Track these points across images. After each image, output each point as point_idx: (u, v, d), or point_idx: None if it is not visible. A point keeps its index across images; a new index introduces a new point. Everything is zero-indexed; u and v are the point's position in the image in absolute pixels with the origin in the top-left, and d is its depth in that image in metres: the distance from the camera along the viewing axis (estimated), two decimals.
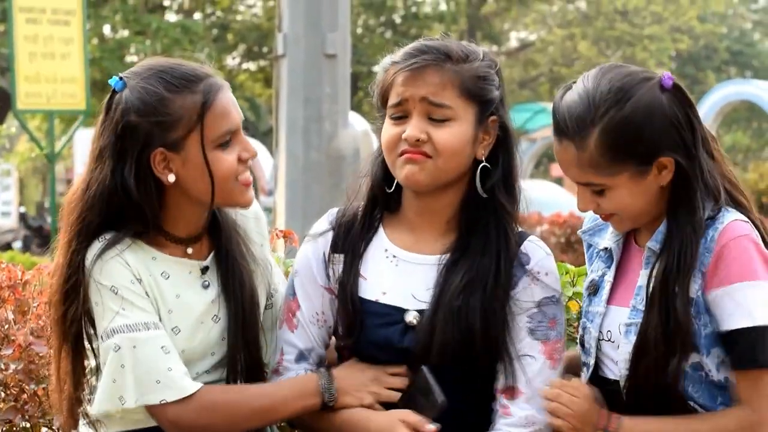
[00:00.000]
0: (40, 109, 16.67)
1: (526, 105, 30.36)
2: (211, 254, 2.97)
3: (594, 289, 2.91)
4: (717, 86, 26.16)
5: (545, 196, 17.36)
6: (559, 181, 25.38)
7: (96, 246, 2.83)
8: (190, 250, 2.93)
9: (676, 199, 2.75)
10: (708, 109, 23.40)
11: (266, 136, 28.67)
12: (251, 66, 36.08)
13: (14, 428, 3.33)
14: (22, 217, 28.03)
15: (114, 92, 2.85)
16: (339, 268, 2.95)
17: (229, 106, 2.87)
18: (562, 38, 36.60)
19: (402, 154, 2.84)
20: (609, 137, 2.69)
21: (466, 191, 2.89)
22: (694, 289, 2.71)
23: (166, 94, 2.80)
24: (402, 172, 2.85)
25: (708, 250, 2.70)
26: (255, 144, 25.15)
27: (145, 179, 2.82)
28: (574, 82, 2.80)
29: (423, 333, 2.82)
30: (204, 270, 2.95)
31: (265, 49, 33.61)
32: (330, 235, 2.99)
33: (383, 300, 2.88)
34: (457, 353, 2.79)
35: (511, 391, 2.86)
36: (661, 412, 2.76)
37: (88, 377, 2.92)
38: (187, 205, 2.89)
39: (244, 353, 2.95)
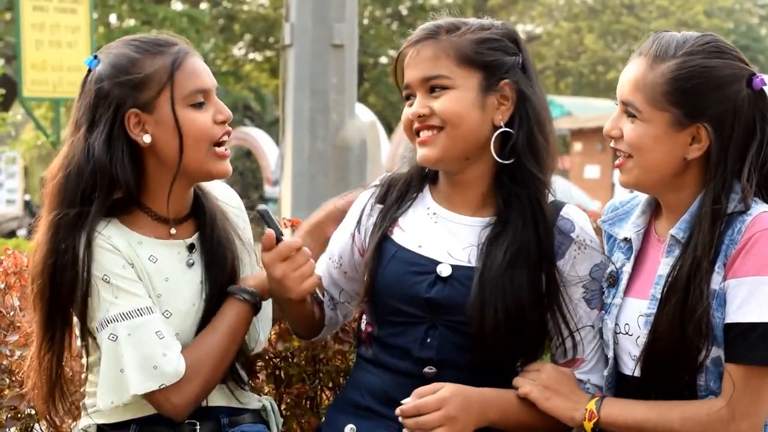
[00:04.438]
0: (46, 97, 16.64)
1: None
2: (196, 234, 2.99)
3: (613, 280, 2.88)
4: None
5: (556, 192, 17.33)
6: (565, 173, 25.38)
7: (83, 236, 2.83)
8: (173, 230, 2.95)
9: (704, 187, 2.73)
10: None
11: (272, 127, 28.65)
12: (257, 56, 36.08)
13: (19, 415, 3.33)
14: (27, 205, 28.03)
15: (89, 72, 2.90)
16: (375, 217, 3.00)
17: (200, 67, 2.91)
18: (568, 31, 36.59)
19: (417, 133, 2.89)
20: (680, 73, 2.70)
21: (494, 162, 2.88)
22: (717, 281, 2.67)
23: (136, 55, 2.86)
24: (418, 153, 2.90)
25: (734, 242, 2.65)
26: (261, 135, 25.22)
27: (117, 143, 2.83)
28: None
29: (455, 291, 2.83)
30: (190, 248, 2.97)
31: (271, 40, 33.61)
32: (376, 189, 3.06)
33: (418, 251, 2.90)
34: (509, 330, 2.78)
35: (572, 363, 2.90)
36: None
37: (84, 370, 2.95)
38: (168, 178, 2.89)
39: None
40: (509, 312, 2.77)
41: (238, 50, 35.73)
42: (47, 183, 2.88)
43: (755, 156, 2.72)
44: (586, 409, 2.77)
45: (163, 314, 2.88)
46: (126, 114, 2.83)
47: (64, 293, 2.83)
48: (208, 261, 2.97)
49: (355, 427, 2.87)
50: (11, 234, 22.94)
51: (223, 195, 3.09)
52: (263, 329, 3.12)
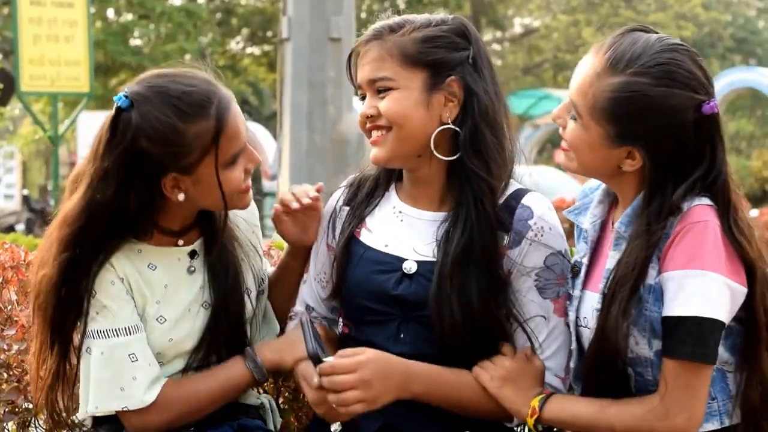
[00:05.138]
0: (43, 92, 16.66)
1: (529, 91, 30.33)
2: (200, 240, 2.98)
3: (576, 271, 2.86)
4: (721, 74, 26.12)
5: (548, 182, 17.34)
6: (561, 167, 25.33)
7: (95, 267, 2.83)
8: (181, 242, 2.95)
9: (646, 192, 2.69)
10: None
11: (270, 121, 28.64)
12: (255, 50, 36.07)
13: (16, 409, 3.33)
14: (25, 200, 28.02)
15: (120, 110, 2.77)
16: (343, 220, 3.03)
17: (239, 124, 2.84)
18: (566, 24, 36.55)
19: (370, 133, 2.92)
20: (620, 95, 2.62)
21: (447, 160, 2.89)
22: (653, 275, 2.64)
23: (180, 125, 2.74)
24: (370, 153, 2.94)
25: (667, 236, 2.62)
26: (259, 128, 25.22)
27: (151, 197, 2.81)
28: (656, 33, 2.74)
29: (421, 287, 2.84)
30: (192, 254, 2.96)
31: (269, 34, 33.60)
32: (344, 192, 3.08)
33: (385, 250, 2.93)
34: (466, 330, 2.79)
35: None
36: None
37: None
38: (189, 210, 2.90)
39: (224, 338, 2.96)
40: (463, 307, 2.78)
41: (235, 44, 35.72)
42: (65, 224, 2.81)
43: (701, 179, 2.65)
44: (530, 406, 2.77)
45: (157, 319, 2.89)
46: (165, 179, 2.79)
47: (67, 315, 2.84)
48: (210, 267, 2.96)
49: (339, 424, 2.87)
50: (9, 229, 22.91)
51: None
52: (269, 336, 3.14)
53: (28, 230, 24.07)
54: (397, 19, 2.92)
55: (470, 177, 2.84)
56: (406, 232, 2.93)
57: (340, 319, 3.03)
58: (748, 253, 2.63)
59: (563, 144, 2.81)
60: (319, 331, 2.93)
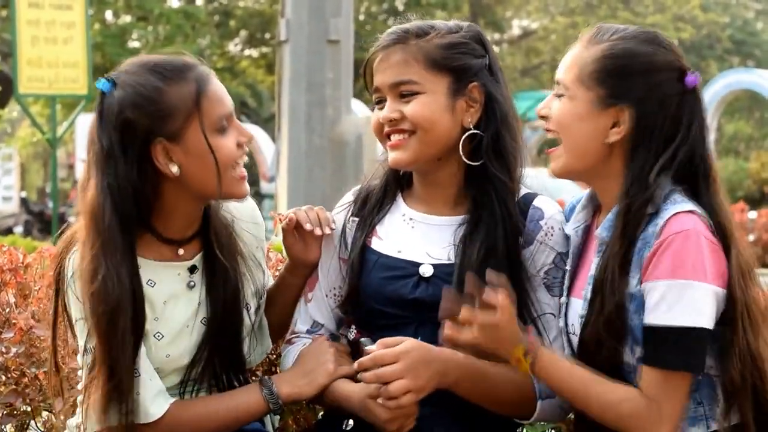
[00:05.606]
0: (42, 94, 16.63)
1: (528, 93, 30.33)
2: (200, 254, 2.95)
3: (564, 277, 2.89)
4: (719, 75, 26.15)
5: (547, 184, 17.32)
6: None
7: (76, 256, 2.78)
8: (181, 251, 2.91)
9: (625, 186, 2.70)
10: (710, 99, 23.38)
11: (268, 123, 28.64)
12: (253, 52, 36.08)
13: (15, 411, 3.33)
14: (24, 202, 28.06)
15: (103, 95, 2.78)
16: (354, 231, 3.04)
17: (222, 91, 2.85)
18: (564, 26, 36.56)
19: (388, 137, 2.92)
20: (608, 52, 2.71)
21: (465, 163, 2.92)
22: (633, 284, 2.64)
23: (160, 84, 2.75)
24: (389, 157, 2.94)
25: (648, 245, 2.61)
26: (257, 131, 25.23)
27: (148, 175, 2.77)
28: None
29: (438, 290, 2.79)
30: (192, 269, 2.94)
31: (267, 36, 33.61)
32: (351, 206, 3.09)
33: (398, 256, 2.94)
34: None
35: None
36: None
37: (80, 367, 2.91)
38: (184, 202, 2.85)
39: (221, 353, 2.94)
40: None
41: (234, 46, 35.73)
42: (90, 214, 2.74)
43: (670, 156, 2.67)
44: (512, 356, 2.66)
45: (154, 335, 2.86)
46: (154, 146, 2.75)
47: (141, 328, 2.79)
48: (209, 282, 2.94)
49: (352, 422, 2.87)
50: (8, 231, 22.95)
51: (235, 207, 3.02)
52: (262, 351, 3.13)
53: (27, 232, 24.11)
54: (418, 23, 2.94)
55: (493, 180, 2.88)
56: (418, 238, 2.95)
57: (353, 326, 3.03)
58: (729, 239, 2.63)
59: (552, 142, 2.82)
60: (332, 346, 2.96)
